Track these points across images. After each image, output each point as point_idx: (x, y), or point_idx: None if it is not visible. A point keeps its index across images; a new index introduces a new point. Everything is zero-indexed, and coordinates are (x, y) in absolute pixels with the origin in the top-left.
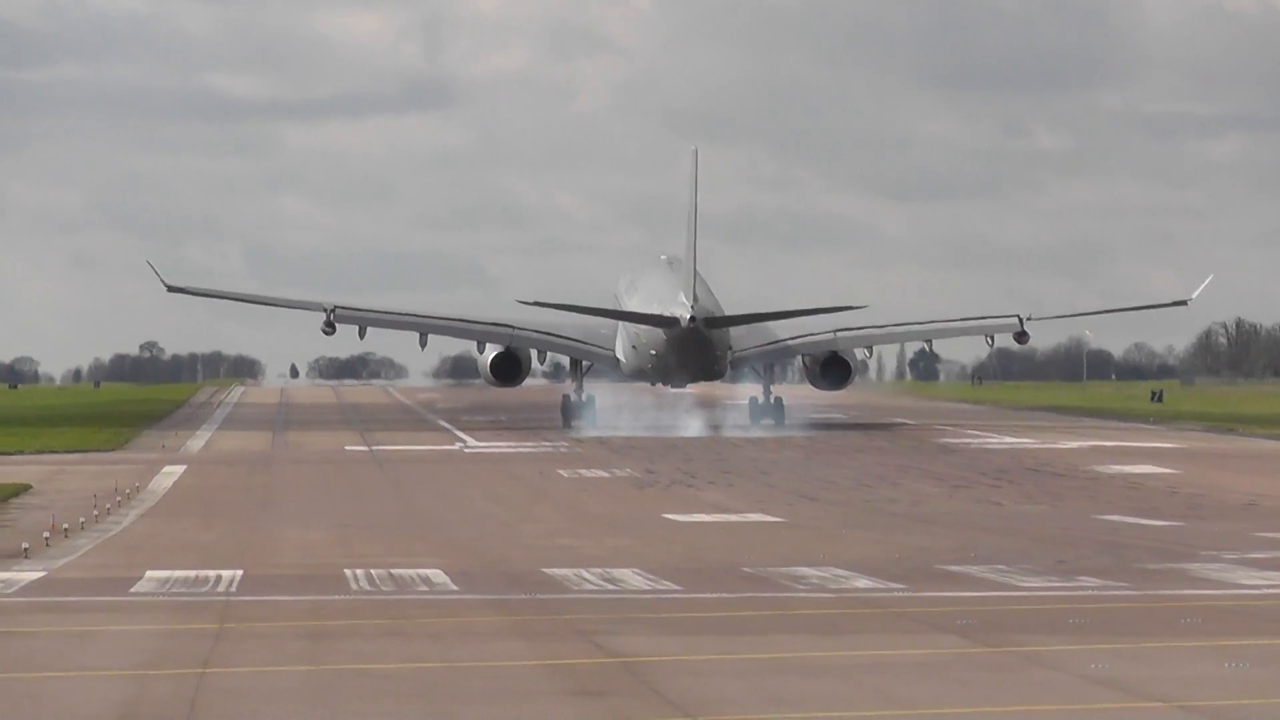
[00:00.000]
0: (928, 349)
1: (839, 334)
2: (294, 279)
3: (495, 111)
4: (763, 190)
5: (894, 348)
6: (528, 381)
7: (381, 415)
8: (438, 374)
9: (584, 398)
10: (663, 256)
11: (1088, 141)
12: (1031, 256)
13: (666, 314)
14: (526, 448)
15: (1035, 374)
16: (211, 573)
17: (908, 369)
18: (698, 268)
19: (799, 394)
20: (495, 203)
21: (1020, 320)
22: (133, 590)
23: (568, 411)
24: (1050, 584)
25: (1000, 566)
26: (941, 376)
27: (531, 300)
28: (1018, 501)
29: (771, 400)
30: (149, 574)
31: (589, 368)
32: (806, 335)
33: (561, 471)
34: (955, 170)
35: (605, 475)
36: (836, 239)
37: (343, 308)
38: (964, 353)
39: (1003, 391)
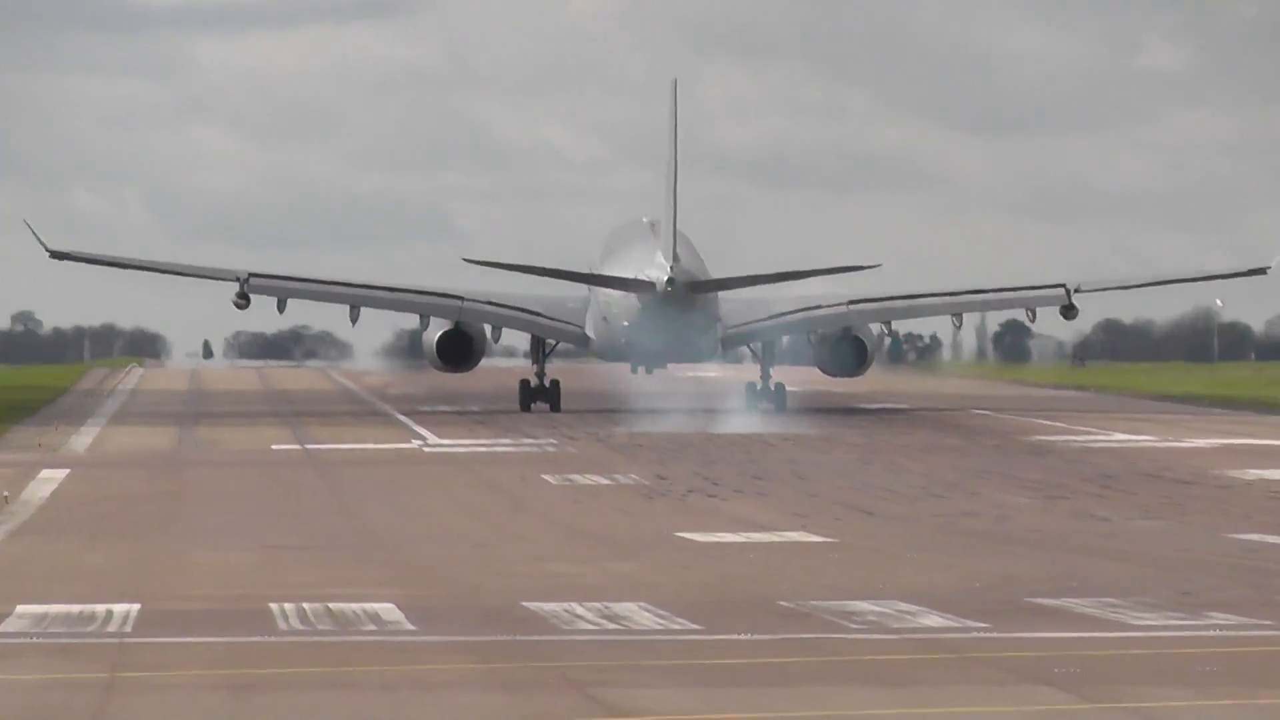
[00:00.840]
0: (956, 326)
1: (852, 306)
2: (210, 232)
3: (464, 21)
4: (804, 119)
5: (973, 319)
6: (483, 363)
7: (319, 405)
8: (391, 353)
9: (546, 383)
10: (645, 219)
11: (1213, 59)
12: (1141, 204)
13: (641, 277)
14: (504, 445)
15: (1153, 353)
16: (101, 607)
17: (989, 346)
18: (680, 227)
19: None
20: (464, 136)
21: (1067, 291)
22: None
23: (526, 400)
24: (1172, 621)
25: (1109, 600)
26: (1034, 355)
27: (480, 260)
28: (1130, 516)
29: (771, 385)
30: (20, 609)
31: (554, 347)
32: (813, 308)
33: (548, 477)
34: (1045, 96)
35: (605, 482)
36: (896, 181)
37: (258, 275)
38: (1062, 326)
39: (1111, 375)
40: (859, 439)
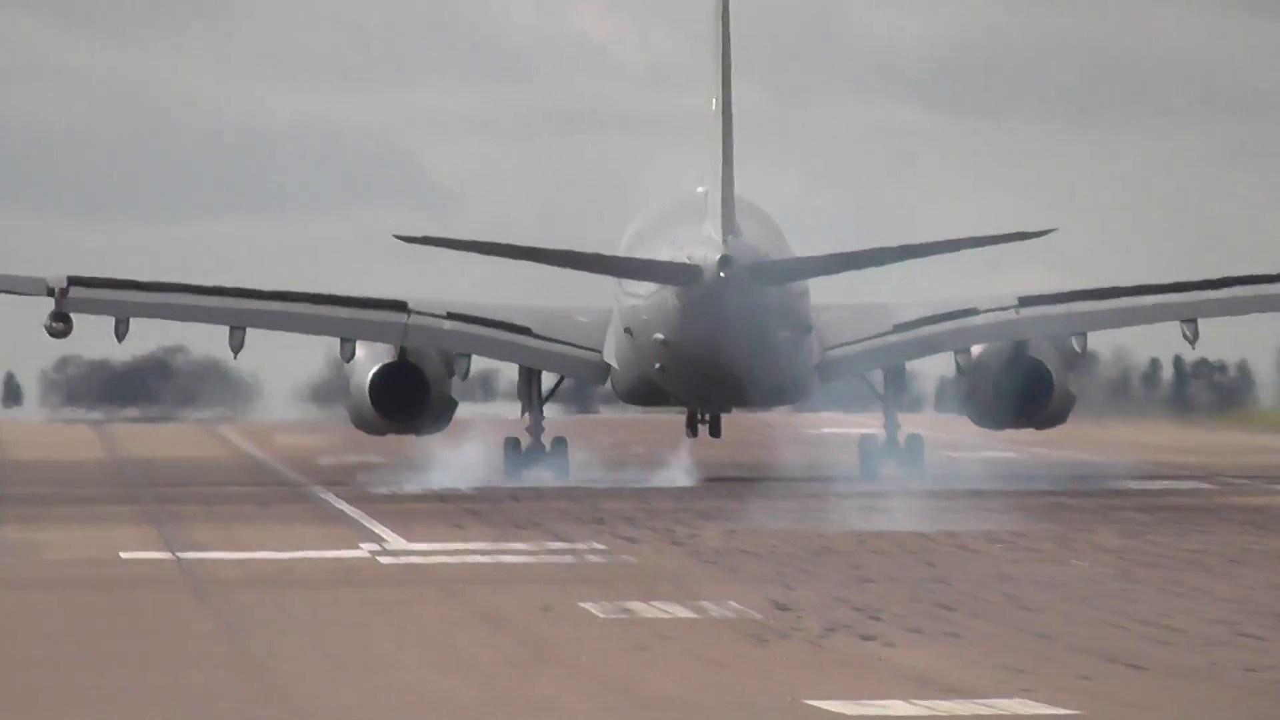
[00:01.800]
0: (1188, 338)
1: (1024, 311)
2: (12, 190)
3: None
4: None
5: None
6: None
7: (201, 485)
8: (324, 394)
9: (544, 443)
10: (701, 189)
11: None
12: None
13: (680, 259)
14: (516, 553)
15: None
16: None
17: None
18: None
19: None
20: (437, 34)
21: None
22: None
23: (513, 468)
24: None
25: None
26: None
27: (419, 238)
28: None
29: (902, 439)
30: None
31: (556, 386)
32: (958, 314)
33: (591, 606)
34: None
35: (686, 614)
36: (1177, 104)
37: (84, 281)
38: None
39: None
40: (1115, 539)
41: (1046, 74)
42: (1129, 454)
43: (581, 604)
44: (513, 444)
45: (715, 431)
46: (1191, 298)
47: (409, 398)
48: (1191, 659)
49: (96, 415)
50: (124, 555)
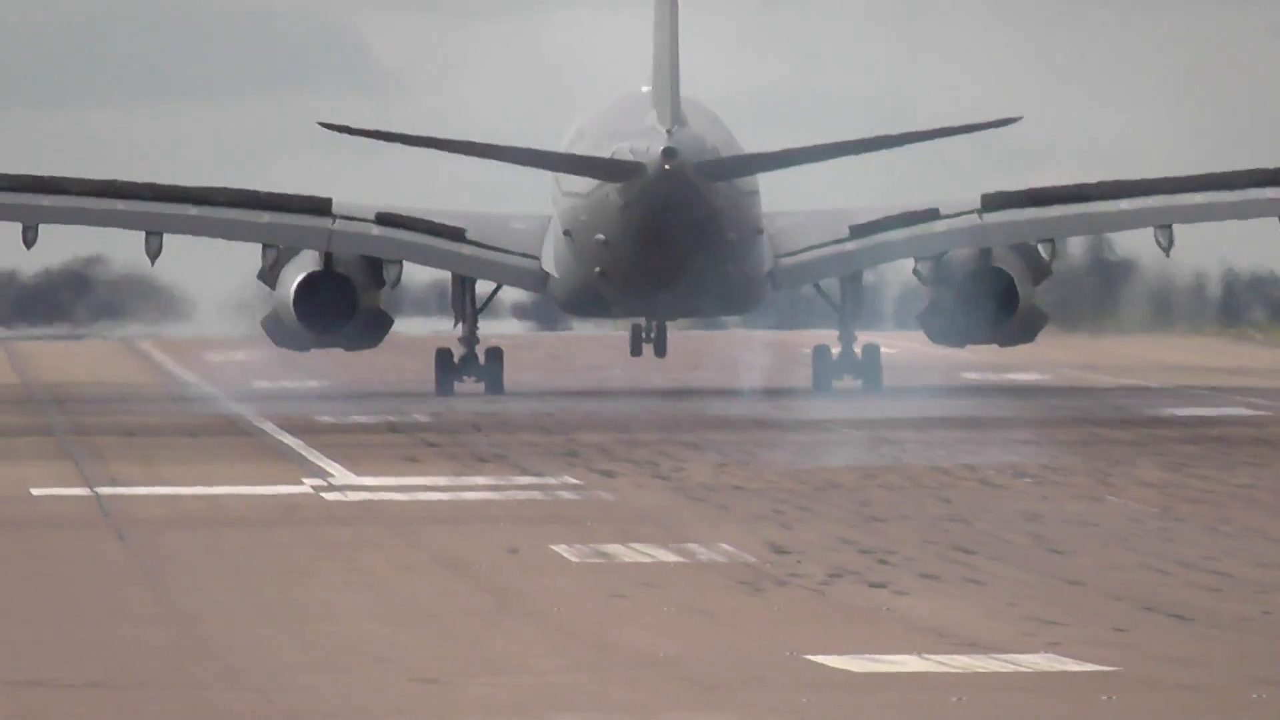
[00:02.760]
0: (1161, 245)
1: (988, 215)
2: None
3: None
4: None
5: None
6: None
7: (121, 411)
8: (255, 309)
9: (478, 354)
10: (645, 88)
11: None
12: None
13: (622, 155)
14: (479, 488)
15: None
16: None
17: None
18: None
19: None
20: None
21: None
22: None
23: (446, 379)
24: None
25: None
26: None
27: (345, 126)
28: None
29: (858, 351)
30: None
31: (491, 296)
32: (919, 218)
33: (562, 549)
34: None
35: (672, 558)
36: None
37: None
38: None
39: None
40: (1156, 473)
41: None
42: (1170, 376)
43: (552, 546)
44: (445, 355)
45: (660, 350)
46: (1165, 202)
47: (335, 308)
48: (1241, 607)
49: (3, 333)
50: (35, 492)
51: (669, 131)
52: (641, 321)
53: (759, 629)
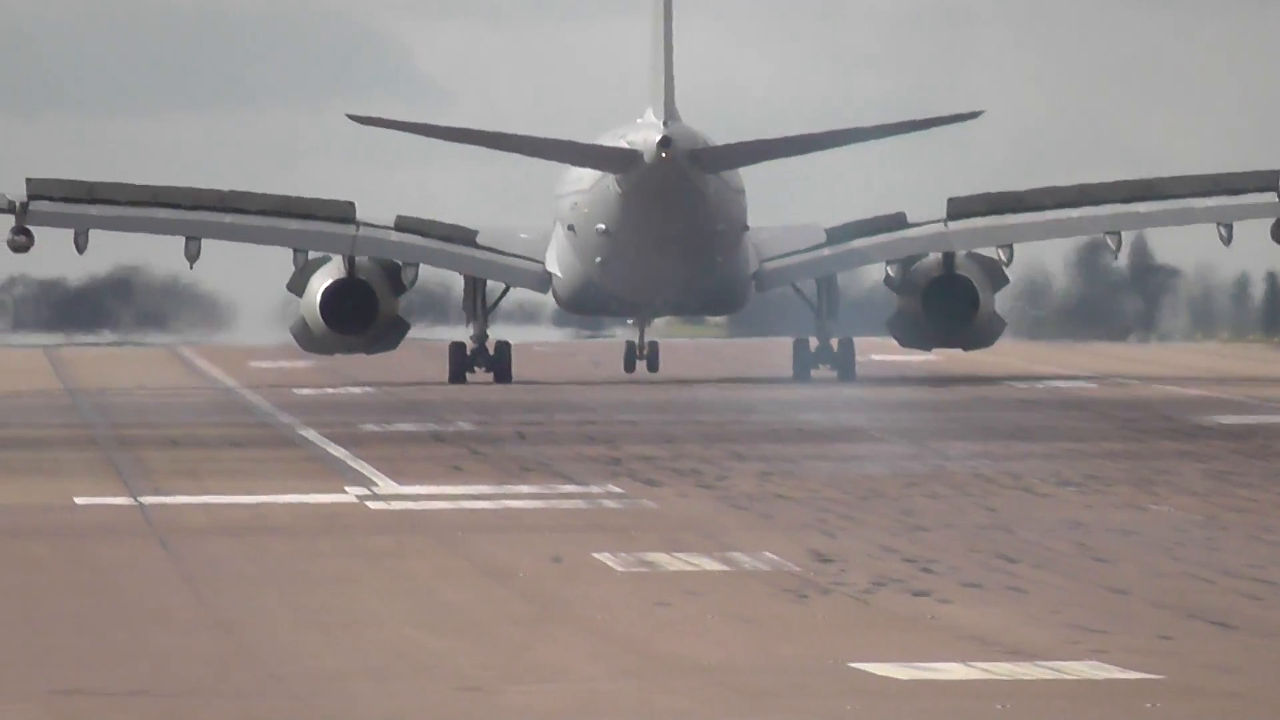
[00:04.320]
0: (1111, 247)
1: (952, 224)
2: None
3: None
4: None
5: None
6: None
7: (167, 419)
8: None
9: (488, 348)
10: (640, 120)
11: None
12: None
13: (620, 144)
14: (523, 498)
15: None
16: None
17: None
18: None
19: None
20: None
21: None
22: None
23: (459, 369)
24: None
25: None
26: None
27: (373, 118)
28: None
29: (833, 344)
30: None
31: (501, 296)
32: (888, 222)
33: (606, 558)
34: None
35: (715, 566)
36: None
37: (45, 195)
38: None
39: None
40: (1200, 481)
41: None
42: (1213, 384)
43: (596, 555)
44: (458, 348)
45: (653, 365)
46: (1114, 210)
47: (358, 315)
48: None
49: (53, 339)
50: (79, 500)
51: (665, 123)
52: (635, 338)
53: (803, 637)
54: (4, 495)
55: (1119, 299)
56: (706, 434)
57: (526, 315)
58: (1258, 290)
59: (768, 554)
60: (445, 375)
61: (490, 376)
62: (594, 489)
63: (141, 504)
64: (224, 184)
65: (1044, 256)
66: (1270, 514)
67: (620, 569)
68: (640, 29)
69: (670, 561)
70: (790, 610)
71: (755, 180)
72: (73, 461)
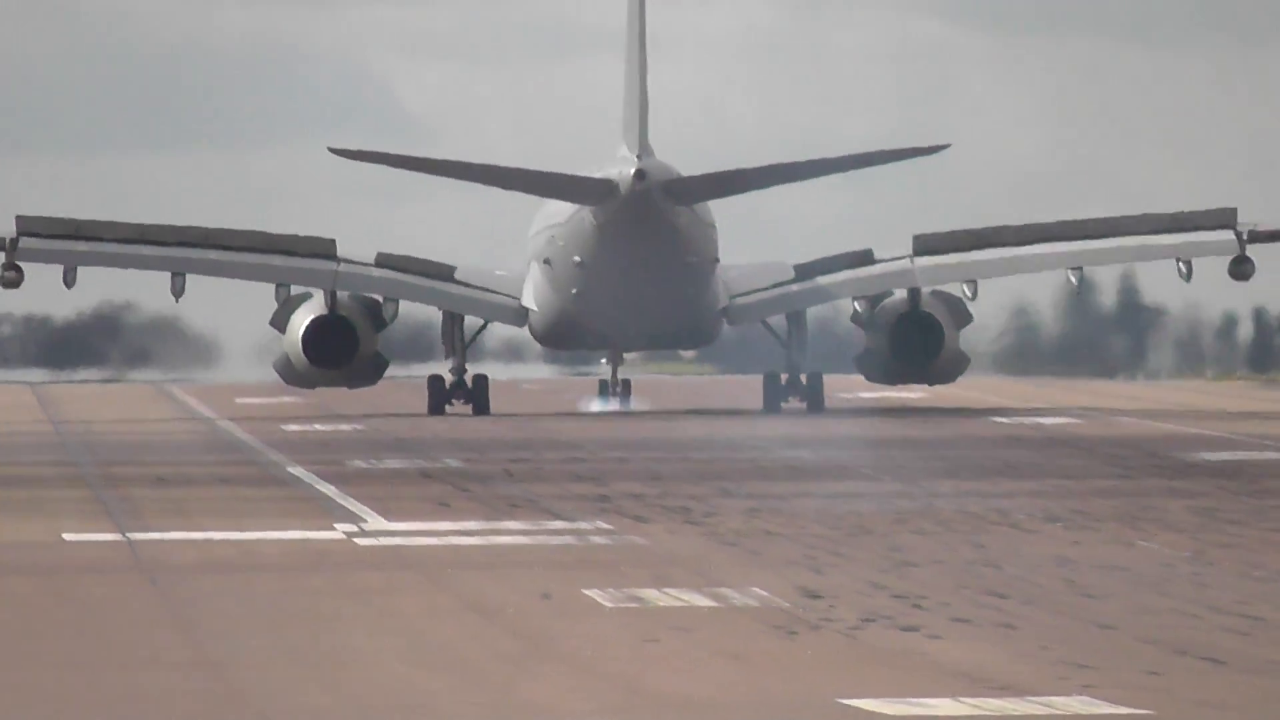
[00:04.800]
0: (1074, 284)
1: (919, 260)
2: None
3: None
4: None
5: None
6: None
7: (154, 456)
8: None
9: (466, 381)
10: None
11: None
12: None
13: (595, 176)
14: (511, 534)
15: None
16: None
17: None
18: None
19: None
20: None
21: (1240, 235)
22: None
23: (439, 401)
24: None
25: None
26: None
27: (352, 151)
28: None
29: (802, 378)
30: None
31: (479, 332)
32: (855, 259)
33: (596, 594)
34: None
35: (705, 603)
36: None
37: (35, 232)
38: None
39: None
40: (1188, 517)
41: None
42: (1199, 420)
43: (585, 591)
44: (436, 380)
45: (625, 401)
46: (1075, 247)
47: (339, 350)
48: (1273, 651)
49: (39, 376)
50: (67, 537)
51: (639, 157)
52: (608, 376)
53: (792, 673)
54: None
55: (1106, 337)
56: (695, 471)
57: (514, 353)
58: (1245, 328)
59: (757, 590)
60: (425, 408)
61: (469, 408)
62: (583, 525)
63: (130, 541)
64: (210, 220)
65: (1032, 294)
66: (1258, 550)
67: (609, 605)
68: (618, 66)
69: (659, 597)
70: (779, 646)
71: (725, 218)
72: (60, 498)
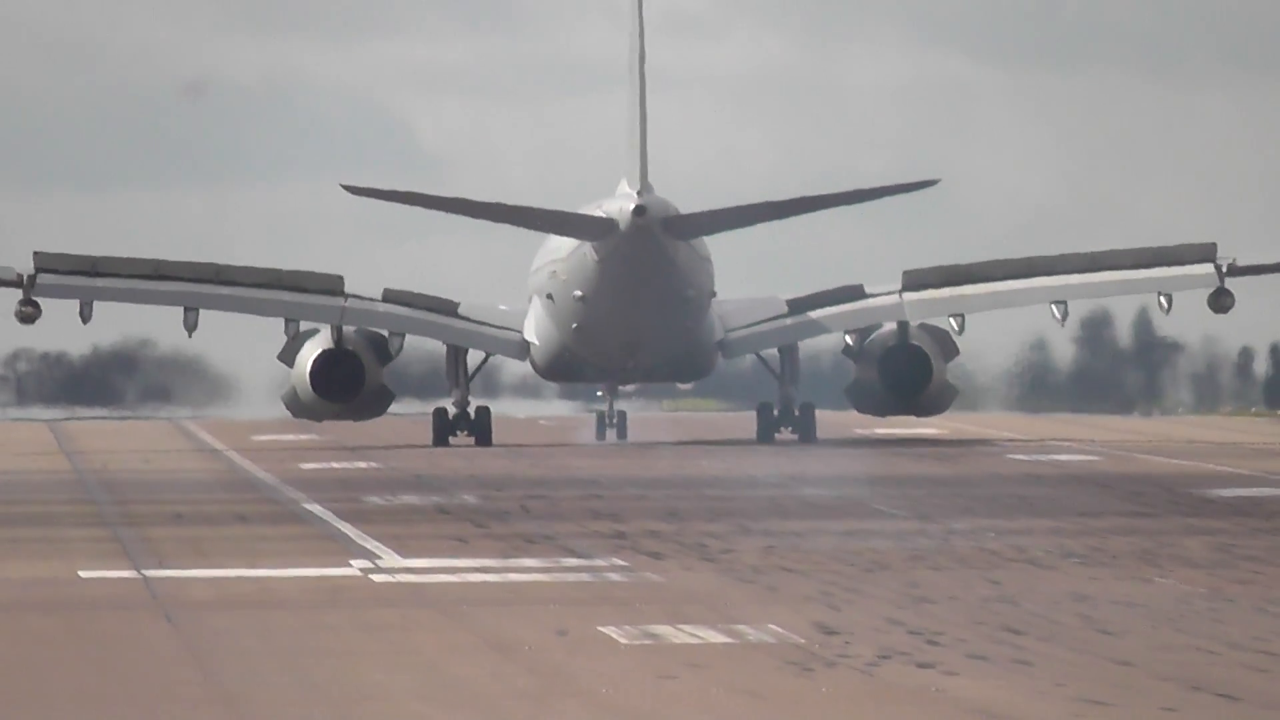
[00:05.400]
0: (1057, 317)
1: (907, 295)
2: None
3: None
4: None
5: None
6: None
7: (171, 493)
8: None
9: (469, 412)
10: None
11: None
12: None
13: (596, 213)
14: (527, 570)
15: None
16: None
17: None
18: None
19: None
20: None
21: (1219, 268)
22: None
23: (442, 433)
24: None
25: None
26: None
27: (364, 189)
28: None
29: (795, 408)
30: None
31: (481, 365)
32: (846, 294)
33: (611, 630)
34: None
35: (720, 639)
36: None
37: (52, 269)
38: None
39: None
40: (1205, 553)
41: (1114, 20)
42: (1217, 456)
43: (601, 628)
44: (441, 413)
45: (622, 434)
46: (1058, 281)
47: (346, 383)
48: None
49: (57, 415)
50: (83, 574)
51: (639, 193)
52: (605, 409)
53: (808, 709)
54: (8, 569)
55: (1122, 372)
56: (712, 508)
57: (531, 389)
58: (1261, 364)
59: (773, 627)
60: (429, 439)
61: (471, 440)
62: (599, 562)
63: (146, 577)
64: (225, 255)
65: (1046, 330)
66: (1275, 586)
67: (625, 642)
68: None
69: (675, 634)
70: (795, 683)
71: (721, 255)
72: (77, 536)
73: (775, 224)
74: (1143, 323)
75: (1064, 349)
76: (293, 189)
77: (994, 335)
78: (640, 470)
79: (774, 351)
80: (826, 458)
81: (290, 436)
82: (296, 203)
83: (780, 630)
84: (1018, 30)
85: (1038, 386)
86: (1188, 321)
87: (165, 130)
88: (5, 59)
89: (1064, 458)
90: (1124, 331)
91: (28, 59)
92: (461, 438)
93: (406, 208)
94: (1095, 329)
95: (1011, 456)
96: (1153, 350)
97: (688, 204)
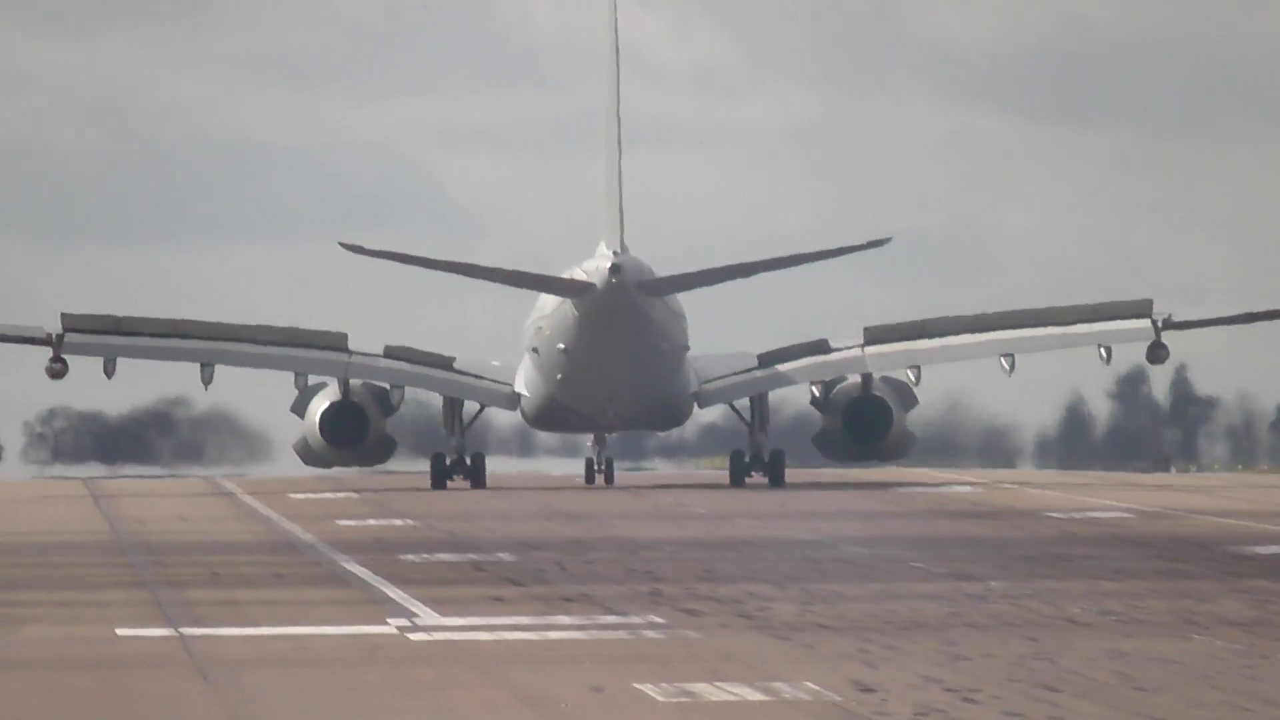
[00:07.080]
0: (1005, 369)
1: (869, 349)
2: None
3: None
4: None
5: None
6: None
7: (206, 552)
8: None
9: (465, 458)
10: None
11: None
12: None
13: (576, 275)
14: (562, 627)
15: None
16: None
17: None
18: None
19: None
20: (446, 35)
21: (1155, 323)
22: None
23: (441, 477)
24: None
25: None
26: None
27: (363, 248)
28: None
29: (765, 454)
30: None
31: (476, 416)
32: (812, 348)
33: (648, 689)
34: None
35: (757, 697)
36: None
37: (81, 329)
38: None
39: None
40: (1243, 610)
41: (1140, 74)
42: (1254, 514)
43: (637, 685)
44: (439, 458)
45: (609, 478)
46: (1006, 335)
47: (352, 432)
48: None
49: (95, 472)
50: (120, 632)
51: (615, 253)
52: (593, 456)
53: None
54: (45, 627)
55: (1159, 429)
56: (748, 567)
57: (548, 448)
58: None
59: (809, 684)
60: (428, 483)
61: (467, 484)
62: (635, 619)
63: (182, 635)
64: (241, 309)
65: (1082, 387)
66: None
67: (662, 699)
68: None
69: (712, 691)
70: None
71: (696, 313)
72: (113, 593)
73: (760, 281)
74: (1180, 380)
75: (1100, 404)
76: (304, 248)
77: (1031, 392)
78: (677, 531)
79: (745, 402)
80: (863, 517)
81: (328, 496)
82: (307, 259)
83: (816, 688)
84: (1043, 85)
85: (1074, 443)
86: (1225, 378)
87: (191, 187)
88: (22, 108)
89: (1100, 515)
90: (1161, 387)
91: (58, 116)
92: (458, 481)
93: (404, 266)
94: (1131, 386)
95: (1049, 515)
96: (1188, 406)
97: (694, 261)
